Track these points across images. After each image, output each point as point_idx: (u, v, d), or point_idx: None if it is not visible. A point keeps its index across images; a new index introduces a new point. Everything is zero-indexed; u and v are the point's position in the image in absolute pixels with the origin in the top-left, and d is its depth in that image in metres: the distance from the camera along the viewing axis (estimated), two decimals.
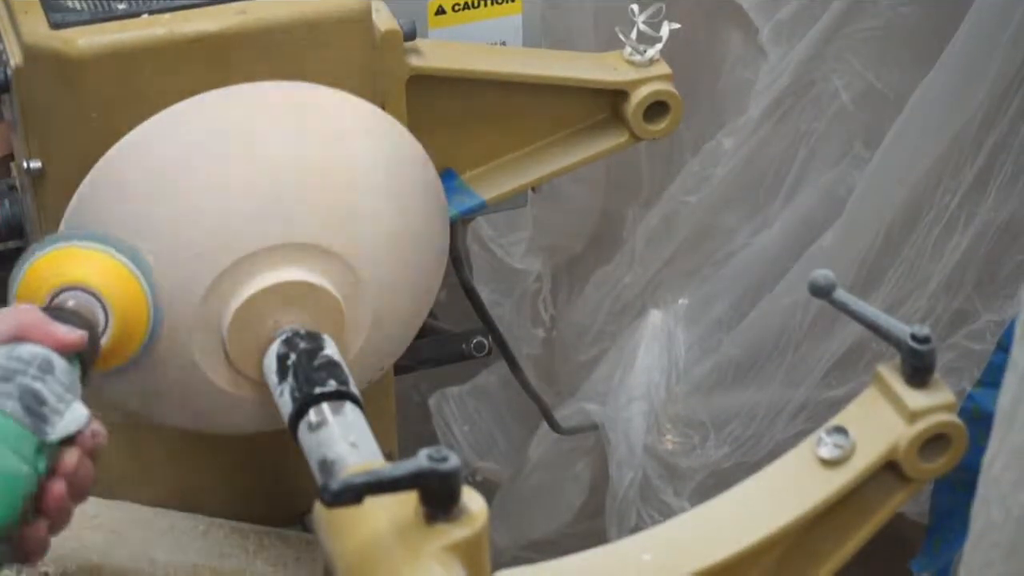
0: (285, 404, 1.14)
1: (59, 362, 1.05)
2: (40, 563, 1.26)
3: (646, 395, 1.81)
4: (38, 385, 1.03)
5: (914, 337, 1.07)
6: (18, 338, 1.06)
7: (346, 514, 0.98)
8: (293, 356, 1.16)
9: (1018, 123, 1.55)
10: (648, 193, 1.88)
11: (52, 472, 1.03)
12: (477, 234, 2.04)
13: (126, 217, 1.18)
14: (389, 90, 1.30)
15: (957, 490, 1.62)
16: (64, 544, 1.27)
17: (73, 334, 1.08)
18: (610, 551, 1.10)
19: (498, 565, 1.02)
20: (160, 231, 1.17)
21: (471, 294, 1.59)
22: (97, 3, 1.24)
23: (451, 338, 1.57)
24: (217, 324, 1.19)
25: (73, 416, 1.04)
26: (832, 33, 1.65)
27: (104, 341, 1.13)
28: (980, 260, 1.62)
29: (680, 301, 1.84)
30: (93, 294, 1.13)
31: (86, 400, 1.07)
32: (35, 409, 1.02)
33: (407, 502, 0.99)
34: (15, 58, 1.22)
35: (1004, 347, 1.58)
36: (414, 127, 1.29)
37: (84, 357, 1.09)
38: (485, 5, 1.44)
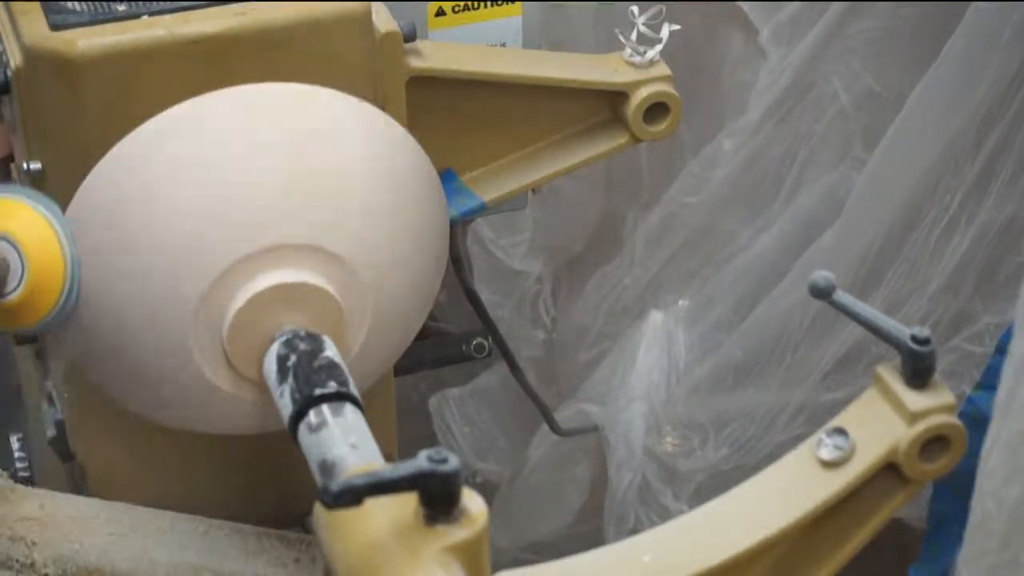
0: (285, 405, 1.14)
1: None
2: (40, 564, 1.26)
3: (646, 396, 1.81)
4: None
5: (914, 339, 1.07)
6: None
7: (346, 515, 0.98)
8: (293, 357, 1.16)
9: (1018, 123, 1.55)
10: (648, 194, 1.88)
11: None
12: (477, 236, 2.04)
13: (126, 218, 1.18)
14: (389, 91, 1.30)
15: (955, 495, 1.62)
16: (64, 545, 1.27)
17: None
18: (610, 552, 1.10)
19: (498, 566, 1.02)
20: (160, 232, 1.17)
21: (471, 295, 1.59)
22: (97, 4, 1.24)
23: (451, 339, 1.57)
24: (217, 325, 1.19)
25: None
26: (832, 35, 1.66)
27: (17, 294, 1.12)
28: (980, 261, 1.62)
29: (680, 302, 1.84)
30: (11, 243, 1.13)
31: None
32: None
33: (407, 503, 0.99)
34: (15, 59, 1.22)
35: (1003, 350, 1.58)
36: (414, 128, 1.29)
37: None
38: (485, 6, 1.44)
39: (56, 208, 1.17)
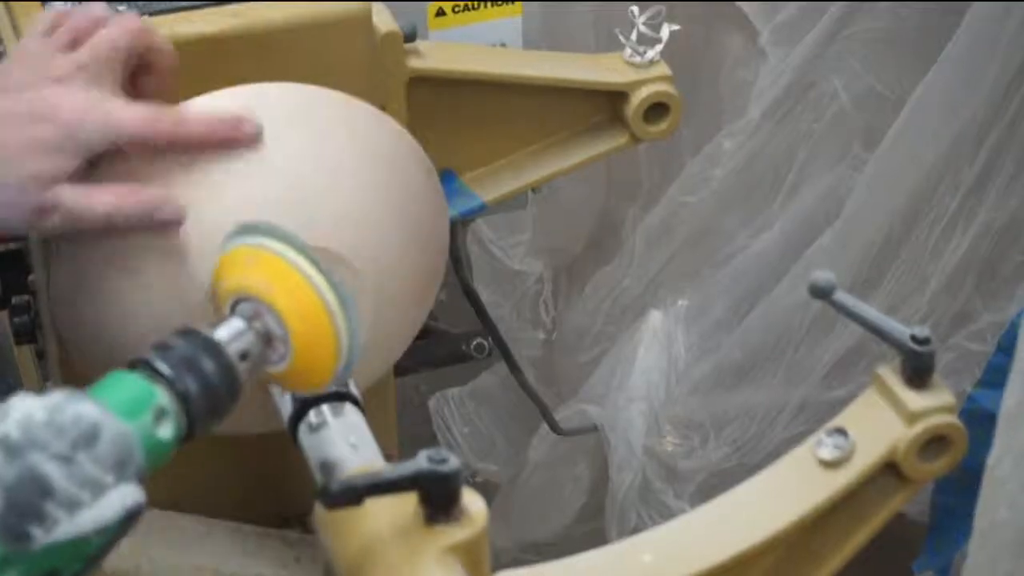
0: (285, 405, 1.14)
1: (111, 429, 0.82)
2: None
3: (646, 396, 1.81)
4: (52, 467, 0.79)
5: (914, 339, 1.07)
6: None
7: (346, 515, 0.98)
8: None
9: (1018, 123, 1.56)
10: (648, 194, 1.89)
11: None
12: (477, 236, 2.04)
13: None
14: (389, 91, 1.30)
15: (959, 489, 1.62)
16: None
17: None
18: (610, 552, 1.10)
19: (498, 566, 1.02)
20: (158, 234, 1.17)
21: (471, 296, 1.59)
22: None
23: (451, 339, 1.56)
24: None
25: (100, 509, 0.81)
26: (832, 35, 1.66)
27: (281, 367, 1.00)
28: (980, 261, 1.63)
29: (680, 302, 1.84)
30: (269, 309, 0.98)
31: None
32: (25, 503, 0.78)
33: (407, 503, 0.99)
34: None
35: (1004, 348, 1.58)
36: (414, 128, 1.29)
37: (192, 407, 0.91)
38: (485, 6, 1.44)
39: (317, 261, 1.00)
